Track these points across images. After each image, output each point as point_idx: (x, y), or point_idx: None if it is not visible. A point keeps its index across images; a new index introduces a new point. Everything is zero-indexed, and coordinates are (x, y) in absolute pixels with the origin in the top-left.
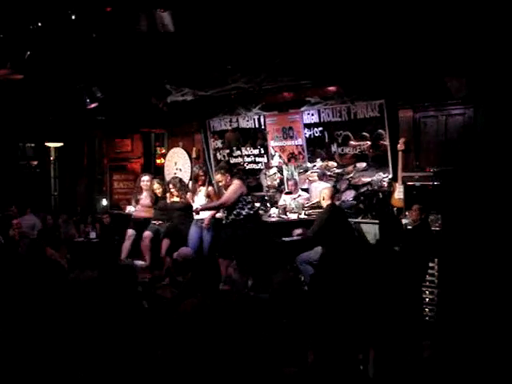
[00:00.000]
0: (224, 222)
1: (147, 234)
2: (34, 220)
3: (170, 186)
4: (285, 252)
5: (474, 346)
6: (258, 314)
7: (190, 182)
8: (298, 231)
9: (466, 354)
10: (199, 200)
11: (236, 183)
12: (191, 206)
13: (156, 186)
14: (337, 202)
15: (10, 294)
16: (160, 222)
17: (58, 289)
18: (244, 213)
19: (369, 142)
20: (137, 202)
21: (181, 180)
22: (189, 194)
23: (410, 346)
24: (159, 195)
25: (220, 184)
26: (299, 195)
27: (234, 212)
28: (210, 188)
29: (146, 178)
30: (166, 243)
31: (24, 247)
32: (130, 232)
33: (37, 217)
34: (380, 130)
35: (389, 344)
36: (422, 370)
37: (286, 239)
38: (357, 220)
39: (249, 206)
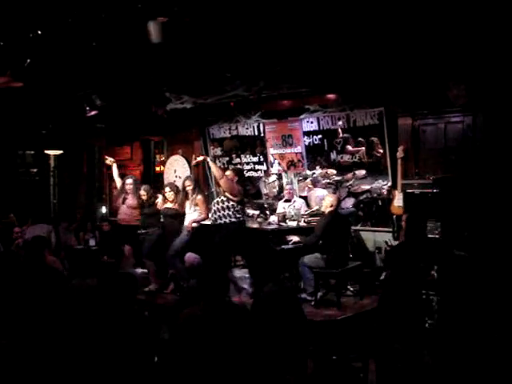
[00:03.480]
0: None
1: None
2: (46, 228)
3: (167, 189)
4: (284, 260)
5: (474, 352)
6: (262, 322)
7: None
8: (294, 238)
9: (467, 361)
10: (187, 208)
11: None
12: (183, 214)
13: (142, 192)
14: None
15: (8, 301)
16: (147, 230)
17: (57, 296)
18: (227, 220)
19: (364, 148)
20: (123, 201)
21: (177, 186)
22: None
23: (410, 354)
24: (144, 200)
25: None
26: (294, 201)
27: (219, 218)
28: (199, 197)
29: (129, 181)
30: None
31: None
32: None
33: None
34: (372, 138)
35: (390, 352)
36: (422, 377)
37: (286, 247)
38: (356, 228)
39: (233, 218)
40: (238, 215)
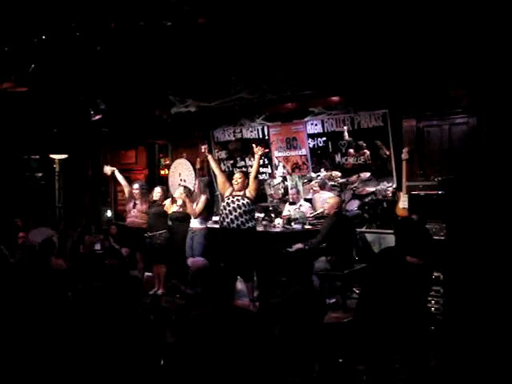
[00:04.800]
0: (220, 226)
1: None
2: (48, 232)
3: (181, 189)
4: (289, 263)
5: (480, 354)
6: (265, 324)
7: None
8: (298, 246)
9: (473, 363)
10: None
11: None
12: (189, 216)
13: (158, 189)
14: None
15: (12, 306)
16: (154, 233)
17: (61, 299)
18: (250, 225)
19: (367, 152)
20: (134, 206)
21: (190, 190)
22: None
23: (416, 355)
24: (157, 199)
25: (236, 183)
26: (300, 205)
27: (238, 221)
28: (203, 198)
29: (136, 186)
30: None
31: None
32: (125, 251)
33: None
34: (376, 141)
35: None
36: (428, 380)
37: (291, 250)
38: (361, 230)
39: (254, 222)
40: (254, 219)
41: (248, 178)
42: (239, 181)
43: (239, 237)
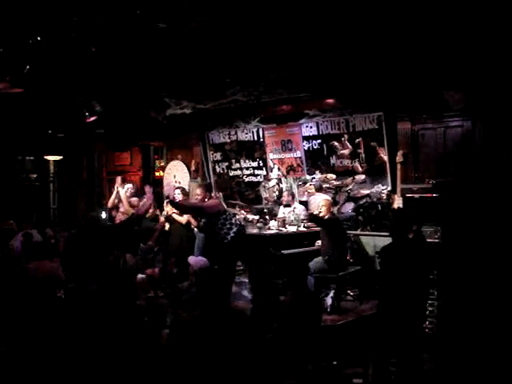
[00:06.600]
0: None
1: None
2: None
3: (177, 191)
4: (284, 265)
5: (475, 357)
6: (260, 327)
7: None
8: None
9: (467, 366)
10: None
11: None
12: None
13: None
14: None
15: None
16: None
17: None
18: (230, 237)
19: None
20: (117, 210)
21: (183, 189)
22: None
23: (410, 358)
24: (149, 214)
25: (197, 198)
26: (295, 207)
27: (219, 237)
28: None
29: (129, 185)
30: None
31: None
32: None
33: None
34: (372, 143)
35: (388, 357)
36: (422, 382)
37: (286, 252)
38: (356, 232)
39: (234, 230)
40: (234, 230)
41: (209, 192)
42: (199, 198)
43: (225, 250)
